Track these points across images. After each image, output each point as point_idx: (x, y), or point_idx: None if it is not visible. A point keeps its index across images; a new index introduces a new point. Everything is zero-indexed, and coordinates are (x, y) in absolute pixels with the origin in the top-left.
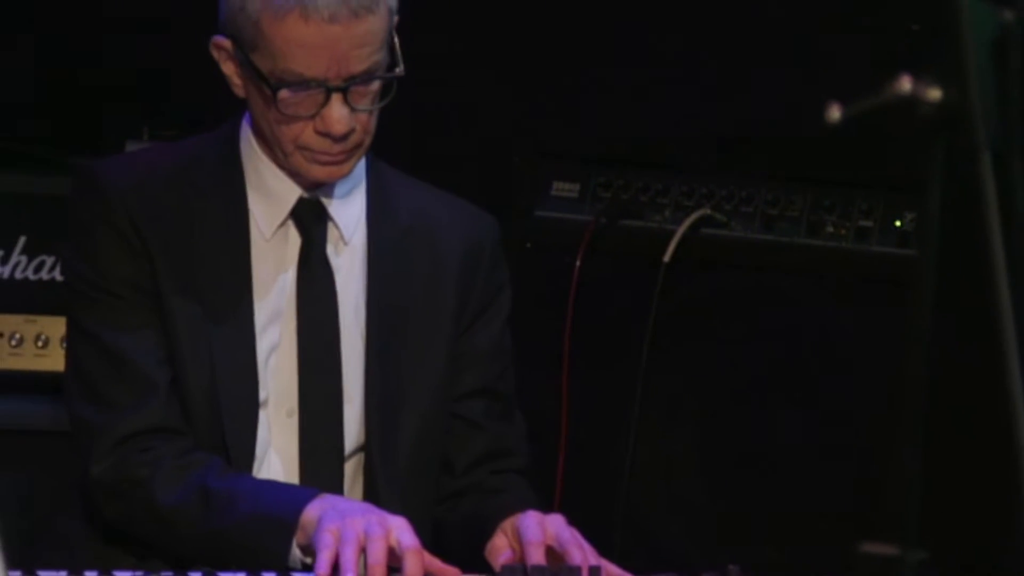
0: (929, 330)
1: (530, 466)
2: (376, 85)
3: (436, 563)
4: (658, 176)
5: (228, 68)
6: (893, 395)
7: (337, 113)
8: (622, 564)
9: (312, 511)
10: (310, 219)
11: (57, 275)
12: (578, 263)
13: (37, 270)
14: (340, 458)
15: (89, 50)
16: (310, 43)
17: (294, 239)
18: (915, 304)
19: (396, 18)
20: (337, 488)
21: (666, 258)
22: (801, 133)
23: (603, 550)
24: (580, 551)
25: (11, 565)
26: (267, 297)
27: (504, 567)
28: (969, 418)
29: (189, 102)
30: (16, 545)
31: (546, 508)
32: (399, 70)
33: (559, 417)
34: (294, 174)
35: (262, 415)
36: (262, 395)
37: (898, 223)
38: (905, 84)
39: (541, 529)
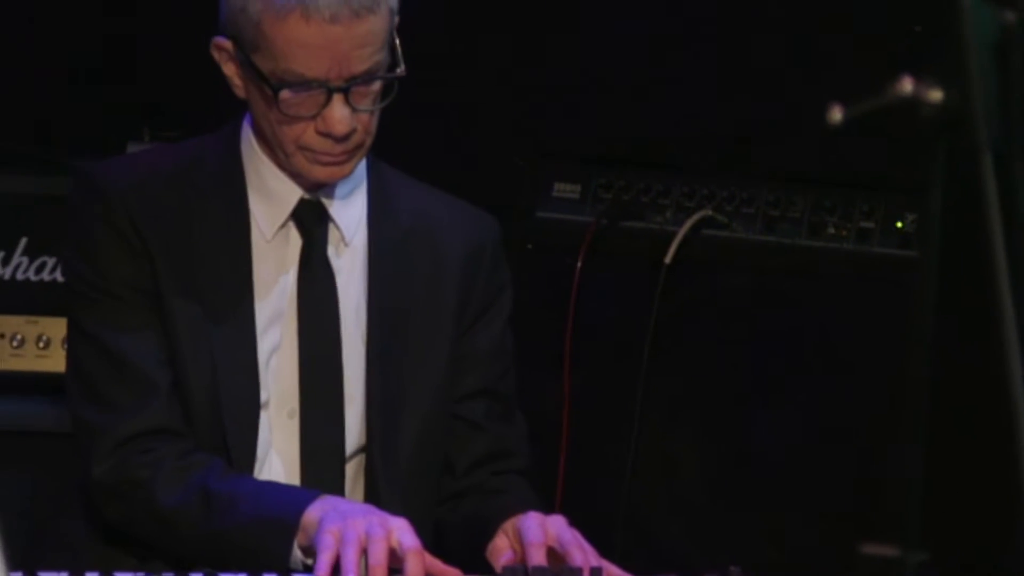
0: (930, 331)
1: (531, 467)
2: (377, 85)
3: (437, 564)
4: (659, 177)
5: (229, 69)
6: (893, 395)
7: (338, 113)
8: (623, 565)
9: (313, 512)
10: (311, 220)
11: (58, 276)
12: (579, 264)
13: (38, 271)
14: (341, 459)
15: (90, 51)
16: (311, 43)
17: (295, 240)
18: (916, 305)
19: (397, 19)
20: (338, 489)
21: (667, 259)
22: (802, 133)
23: (604, 551)
24: (581, 552)
25: (12, 566)
26: (268, 298)
27: (505, 568)
28: (970, 419)
29: (190, 103)
30: (17, 546)
31: (547, 509)
32: (400, 70)
33: (560, 418)
34: (295, 175)
35: (263, 416)
36: (263, 396)
37: (899, 224)
38: (907, 85)
39: (542, 530)
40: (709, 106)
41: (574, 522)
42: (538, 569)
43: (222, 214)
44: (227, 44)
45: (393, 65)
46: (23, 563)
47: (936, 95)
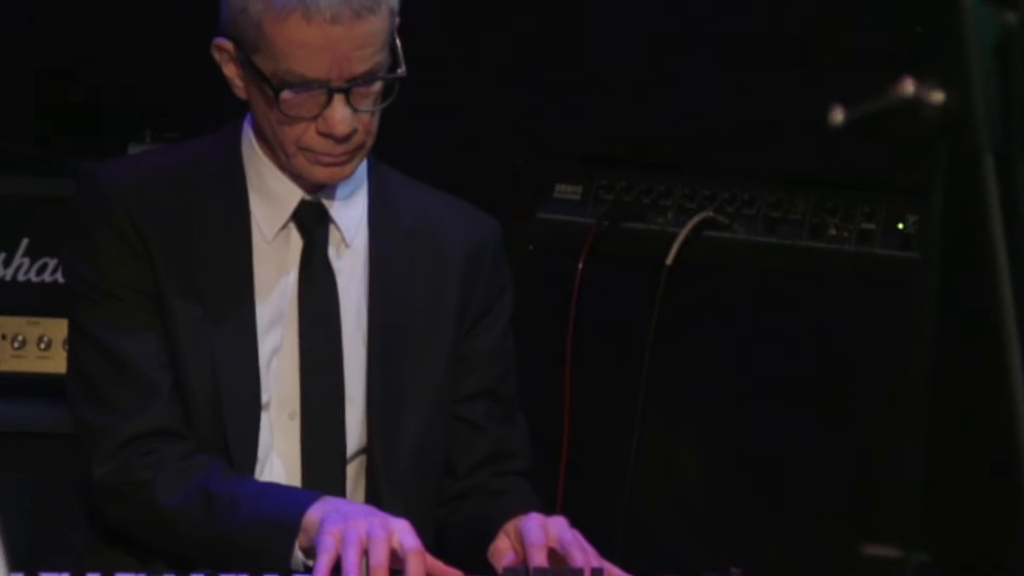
0: (931, 332)
1: (532, 468)
2: (378, 86)
3: (438, 565)
4: (660, 178)
5: (230, 70)
6: (893, 395)
7: (339, 114)
8: (624, 566)
9: (314, 514)
10: (312, 221)
11: (59, 277)
12: (580, 265)
13: (40, 272)
14: (342, 460)
15: (90, 51)
16: (312, 44)
17: (296, 241)
18: (917, 306)
19: (398, 19)
20: (339, 490)
21: (668, 260)
22: (803, 135)
23: (605, 552)
24: (582, 553)
25: (13, 567)
26: (269, 299)
27: (507, 569)
28: (970, 419)
29: (191, 104)
30: (19, 547)
31: (548, 510)
32: (401, 71)
33: (561, 419)
34: (296, 176)
35: (264, 417)
36: (264, 397)
37: (901, 226)
38: (908, 87)
39: (543, 531)
40: (709, 106)
41: (575, 523)
42: (539, 570)
43: (223, 215)
44: (228, 45)
45: (394, 66)
46: (24, 564)
47: (937, 96)
